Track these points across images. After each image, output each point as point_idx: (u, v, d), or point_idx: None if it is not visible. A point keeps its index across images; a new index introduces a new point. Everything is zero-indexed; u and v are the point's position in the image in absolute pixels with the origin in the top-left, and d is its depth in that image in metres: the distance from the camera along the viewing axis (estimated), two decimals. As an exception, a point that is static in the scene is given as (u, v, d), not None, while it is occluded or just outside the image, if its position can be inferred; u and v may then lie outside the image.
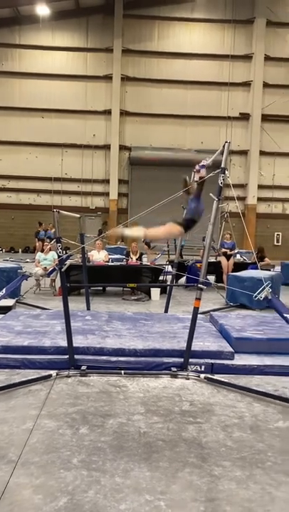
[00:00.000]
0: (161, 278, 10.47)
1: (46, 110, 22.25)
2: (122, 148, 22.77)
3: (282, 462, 3.03)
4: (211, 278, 11.50)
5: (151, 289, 9.69)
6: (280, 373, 4.73)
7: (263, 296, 4.12)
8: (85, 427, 3.42)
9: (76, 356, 4.69)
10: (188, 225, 5.14)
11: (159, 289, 9.75)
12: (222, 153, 4.91)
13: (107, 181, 22.83)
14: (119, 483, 2.71)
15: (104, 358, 4.78)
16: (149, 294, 9.75)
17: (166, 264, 10.55)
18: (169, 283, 10.13)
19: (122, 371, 4.59)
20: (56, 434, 3.31)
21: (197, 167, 5.18)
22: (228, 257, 11.23)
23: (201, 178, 5.03)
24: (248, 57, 22.54)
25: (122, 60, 22.30)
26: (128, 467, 2.89)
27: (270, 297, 4.13)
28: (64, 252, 4.76)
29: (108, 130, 22.60)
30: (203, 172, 5.05)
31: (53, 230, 12.73)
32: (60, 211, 5.26)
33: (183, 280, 10.85)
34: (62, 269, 4.71)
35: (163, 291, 9.63)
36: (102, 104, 22.57)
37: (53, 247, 9.82)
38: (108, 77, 22.39)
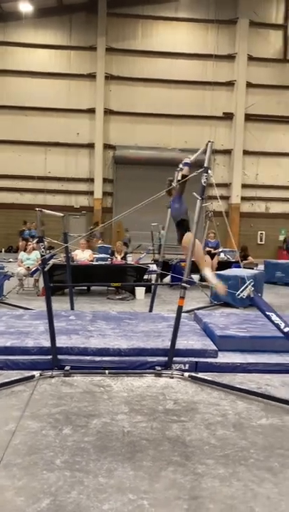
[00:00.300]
0: (146, 277, 10.48)
1: (29, 108, 22.03)
2: (107, 147, 22.71)
3: (264, 459, 3.06)
4: (196, 277, 11.56)
5: (136, 288, 9.69)
6: (263, 371, 4.78)
7: (245, 294, 4.15)
8: (69, 428, 3.40)
9: (60, 356, 4.66)
10: (184, 225, 5.22)
11: (143, 288, 9.75)
12: (205, 152, 4.92)
13: (91, 180, 22.74)
14: (103, 483, 2.70)
15: (88, 358, 4.76)
16: (133, 293, 9.75)
17: (150, 263, 10.57)
18: (153, 282, 10.16)
19: (106, 371, 4.58)
20: (39, 435, 3.29)
21: (180, 165, 5.20)
22: (212, 255, 11.29)
23: (183, 176, 5.05)
24: (231, 57, 22.69)
25: (106, 59, 22.23)
26: (112, 467, 2.89)
27: (252, 295, 4.16)
28: (48, 251, 4.73)
29: (92, 129, 22.51)
30: (186, 170, 5.07)
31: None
32: (43, 210, 5.21)
33: (168, 279, 10.88)
34: (45, 269, 4.67)
35: (148, 290, 9.64)
36: (86, 102, 22.45)
37: (37, 246, 9.73)
38: (92, 76, 22.29)
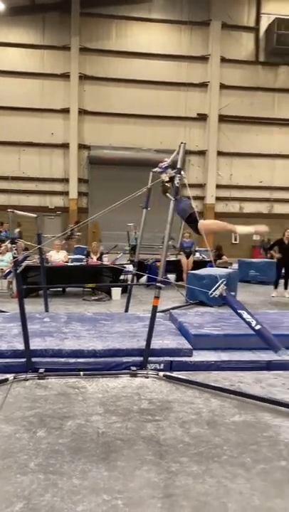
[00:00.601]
0: (122, 277, 10.48)
1: (2, 108, 21.67)
2: (82, 147, 22.58)
3: (237, 455, 3.12)
4: (172, 276, 11.63)
5: (112, 288, 9.68)
6: (237, 368, 4.85)
7: (217, 293, 4.21)
8: (43, 430, 3.38)
9: (34, 359, 4.62)
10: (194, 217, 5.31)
11: (120, 289, 9.75)
12: (178, 152, 4.97)
13: (66, 180, 22.57)
14: (77, 485, 2.70)
15: (62, 360, 4.73)
16: (109, 293, 9.73)
17: (126, 264, 10.58)
18: (129, 282, 10.17)
19: (81, 372, 4.56)
20: (13, 438, 3.25)
21: (159, 170, 5.24)
22: (187, 255, 11.39)
23: (170, 178, 5.11)
24: (204, 59, 22.90)
25: (80, 59, 22.10)
26: (86, 468, 2.89)
27: (224, 294, 4.23)
28: (22, 252, 4.68)
29: (67, 129, 22.34)
30: (170, 171, 5.13)
31: (17, 229, 12.42)
32: (16, 211, 5.16)
33: (144, 279, 10.91)
34: (18, 271, 4.62)
35: (124, 291, 9.65)
36: (60, 102, 22.26)
37: (10, 248, 9.61)
38: (66, 76, 22.12)
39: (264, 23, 23.07)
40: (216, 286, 4.18)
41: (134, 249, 12.64)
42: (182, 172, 4.89)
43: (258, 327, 4.01)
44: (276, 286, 10.50)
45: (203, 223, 5.34)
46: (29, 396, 4.03)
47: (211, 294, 4.25)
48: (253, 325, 4.02)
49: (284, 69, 23.41)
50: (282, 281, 10.49)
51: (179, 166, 4.87)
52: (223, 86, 22.83)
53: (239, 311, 4.10)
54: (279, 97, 23.49)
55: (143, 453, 3.10)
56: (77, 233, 17.19)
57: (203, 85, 23.00)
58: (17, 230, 5.34)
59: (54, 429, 3.40)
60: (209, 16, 22.51)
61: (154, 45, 22.48)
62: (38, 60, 22.18)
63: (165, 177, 5.21)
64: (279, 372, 4.80)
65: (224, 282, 4.21)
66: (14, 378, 4.38)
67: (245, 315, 4.09)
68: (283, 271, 10.43)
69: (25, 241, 6.39)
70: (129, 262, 10.81)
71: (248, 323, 4.08)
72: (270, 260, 12.31)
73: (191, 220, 5.38)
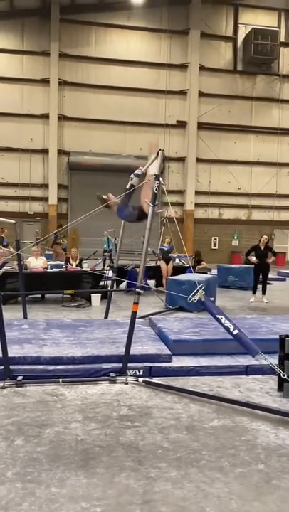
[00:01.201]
0: (102, 283, 10.45)
1: (-20, 113, 21.50)
2: (61, 152, 22.49)
3: (216, 459, 3.14)
4: (152, 282, 11.67)
5: (92, 294, 9.64)
6: (216, 373, 4.89)
7: (196, 298, 4.25)
8: (21, 439, 3.34)
9: (12, 366, 4.57)
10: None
11: (99, 295, 9.72)
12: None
13: (46, 186, 22.42)
14: (55, 493, 2.68)
15: (41, 367, 4.69)
16: (89, 300, 9.69)
17: (106, 270, 10.56)
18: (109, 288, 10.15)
19: (60, 379, 4.53)
20: (-11, 447, 3.20)
21: (132, 175, 5.29)
22: (167, 261, 11.44)
23: (131, 186, 5.16)
24: (184, 67, 23.16)
25: (60, 65, 22.07)
26: (64, 476, 2.86)
27: (203, 299, 4.27)
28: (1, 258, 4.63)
29: (46, 134, 22.24)
30: (135, 181, 5.17)
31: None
32: (-6, 217, 5.10)
33: (124, 285, 10.90)
34: (-4, 277, 4.57)
35: (104, 297, 9.61)
36: (39, 108, 22.17)
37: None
38: (45, 81, 22.05)
39: (242, 33, 23.54)
40: (195, 291, 4.23)
41: (110, 253, 12.68)
42: (160, 179, 4.93)
43: (235, 332, 4.06)
44: (254, 291, 10.63)
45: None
46: (7, 404, 3.98)
47: (190, 299, 4.29)
48: (232, 329, 4.07)
49: (261, 78, 23.89)
50: (260, 287, 10.63)
51: (157, 172, 4.91)
52: (202, 94, 23.14)
53: (217, 316, 4.14)
54: (256, 105, 23.93)
55: (122, 459, 3.09)
56: (63, 239, 17.15)
57: (183, 93, 23.25)
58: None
59: (32, 437, 3.37)
60: (188, 24, 22.83)
61: (133, 53, 22.65)
62: (18, 65, 22.06)
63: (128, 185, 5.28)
64: (257, 377, 4.87)
65: (203, 288, 4.25)
66: (-9, 386, 4.31)
67: (223, 320, 4.14)
68: (260, 276, 10.57)
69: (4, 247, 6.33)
70: (108, 268, 10.79)
71: (226, 328, 4.13)
72: (248, 266, 12.46)
73: (141, 217, 5.34)
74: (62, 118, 22.30)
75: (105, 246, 15.11)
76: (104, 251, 14.11)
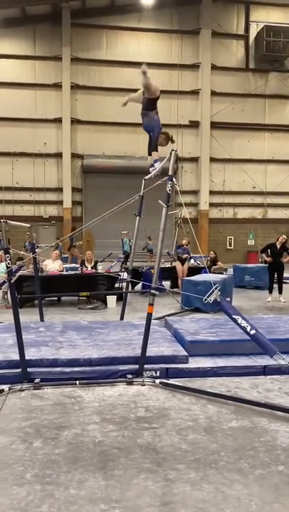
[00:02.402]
0: (117, 285, 10.47)
1: (-5, 118, 21.79)
2: (75, 156, 22.65)
3: (234, 461, 3.10)
4: (167, 283, 11.64)
5: (107, 296, 9.66)
6: (233, 374, 4.85)
7: (212, 299, 4.22)
8: (39, 441, 3.36)
9: (29, 369, 4.60)
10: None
11: (115, 297, 9.73)
12: (169, 160, 5.01)
13: (60, 190, 22.60)
14: (74, 495, 2.68)
15: (58, 369, 4.71)
16: (105, 302, 9.71)
17: (121, 271, 10.57)
18: (124, 290, 10.16)
19: (77, 382, 4.54)
20: (8, 449, 3.23)
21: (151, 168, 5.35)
22: (182, 262, 11.41)
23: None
24: (195, 67, 23.11)
25: (72, 69, 22.25)
26: (83, 478, 2.87)
27: (219, 300, 4.24)
28: (16, 262, 4.68)
29: (59, 138, 22.42)
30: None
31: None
32: (8, 221, 5.16)
33: (139, 287, 10.90)
34: (12, 281, 4.62)
35: (119, 299, 9.63)
36: (52, 112, 22.38)
37: (2, 257, 9.59)
38: (58, 86, 22.25)
39: (253, 31, 23.41)
40: (210, 292, 4.20)
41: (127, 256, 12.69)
42: (174, 179, 4.91)
43: (252, 332, 4.02)
44: (271, 291, 10.51)
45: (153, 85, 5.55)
46: (25, 407, 4.01)
47: (205, 300, 4.26)
48: (249, 330, 4.02)
49: (274, 75, 23.69)
50: (276, 286, 10.50)
51: (170, 173, 4.90)
52: (214, 93, 23.05)
53: (234, 317, 4.11)
54: (269, 102, 23.74)
55: (140, 461, 3.08)
56: (78, 241, 17.30)
57: (195, 93, 23.20)
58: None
59: (50, 440, 3.38)
60: (199, 24, 22.79)
61: (144, 54, 22.64)
62: (30, 71, 22.31)
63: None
64: (275, 377, 4.80)
65: (218, 288, 4.22)
66: (9, 389, 4.35)
67: (240, 320, 4.10)
68: (276, 275, 10.45)
69: (17, 250, 6.40)
70: (123, 269, 10.80)
71: (243, 329, 4.09)
72: (264, 265, 12.34)
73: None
74: (75, 121, 22.46)
75: (126, 248, 15.20)
76: (125, 252, 14.18)
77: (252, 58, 23.60)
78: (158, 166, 5.26)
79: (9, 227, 5.23)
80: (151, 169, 5.49)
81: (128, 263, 8.68)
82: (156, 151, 5.41)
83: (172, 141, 5.71)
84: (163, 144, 5.56)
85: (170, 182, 4.84)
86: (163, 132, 5.62)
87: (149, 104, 5.63)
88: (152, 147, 5.46)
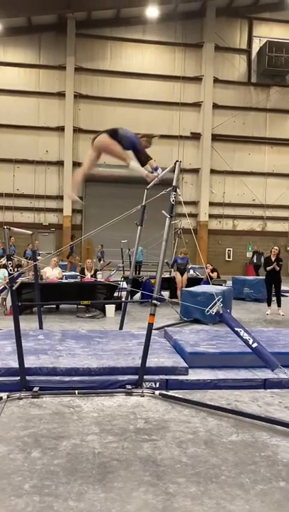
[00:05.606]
0: (116, 294, 10.44)
1: (-2, 125, 21.90)
2: (76, 164, 22.66)
3: (235, 475, 3.07)
4: (166, 294, 11.61)
5: (106, 305, 9.62)
6: (233, 387, 4.82)
7: (214, 310, 4.21)
8: (37, 451, 3.32)
9: (28, 377, 4.56)
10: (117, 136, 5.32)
11: (114, 306, 9.69)
12: (173, 170, 5.02)
13: (60, 197, 22.64)
14: (73, 507, 2.64)
15: (57, 378, 4.67)
16: (104, 310, 9.68)
17: (120, 281, 10.54)
18: (123, 299, 10.12)
19: (76, 391, 4.50)
20: (6, 459, 3.19)
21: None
22: (181, 272, 11.39)
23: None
24: (198, 79, 23.33)
25: (75, 78, 22.43)
26: (82, 490, 2.83)
27: (221, 312, 4.22)
28: (15, 269, 4.66)
29: (61, 146, 22.52)
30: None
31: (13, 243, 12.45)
32: (11, 228, 5.15)
33: (138, 296, 10.87)
34: (14, 288, 4.59)
35: (118, 308, 9.59)
36: (55, 120, 22.51)
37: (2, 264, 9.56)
38: (61, 94, 22.40)
39: (256, 46, 23.69)
40: (212, 303, 4.18)
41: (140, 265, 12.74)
42: (177, 190, 4.93)
43: (255, 345, 4.00)
44: (269, 303, 10.51)
45: (101, 140, 5.35)
46: (23, 415, 3.96)
47: (208, 311, 4.24)
48: (251, 343, 4.01)
49: (275, 90, 23.93)
50: (275, 299, 10.50)
51: (174, 184, 4.91)
52: (216, 106, 23.24)
53: (236, 329, 4.09)
54: (270, 116, 23.94)
55: (140, 474, 3.04)
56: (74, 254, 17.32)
57: (197, 105, 23.38)
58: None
59: (49, 450, 3.34)
60: (202, 38, 23.06)
61: (148, 66, 22.90)
62: (34, 79, 22.48)
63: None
64: (275, 391, 4.78)
65: (220, 300, 4.21)
66: (8, 397, 4.31)
67: (242, 333, 4.09)
68: (273, 288, 10.46)
69: (18, 257, 6.40)
70: (122, 279, 10.77)
71: (246, 341, 4.07)
72: (262, 278, 12.33)
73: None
74: (77, 130, 22.57)
75: (139, 257, 15.26)
76: (139, 262, 14.22)
77: (254, 73, 23.84)
78: (160, 172, 5.23)
79: (11, 233, 5.23)
80: (153, 175, 5.36)
81: (128, 272, 8.66)
82: (151, 159, 5.28)
83: (153, 136, 5.54)
84: (148, 146, 5.45)
85: (174, 193, 4.85)
86: (141, 136, 5.48)
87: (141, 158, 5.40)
88: (144, 158, 5.27)
